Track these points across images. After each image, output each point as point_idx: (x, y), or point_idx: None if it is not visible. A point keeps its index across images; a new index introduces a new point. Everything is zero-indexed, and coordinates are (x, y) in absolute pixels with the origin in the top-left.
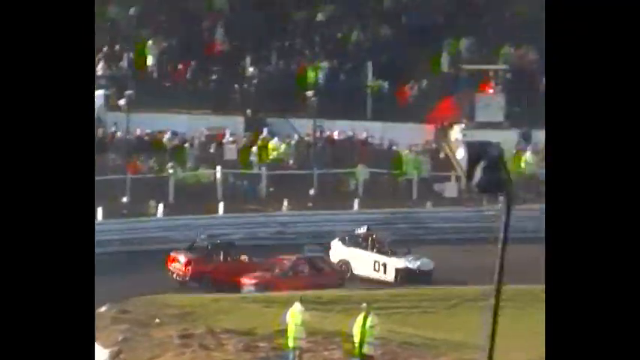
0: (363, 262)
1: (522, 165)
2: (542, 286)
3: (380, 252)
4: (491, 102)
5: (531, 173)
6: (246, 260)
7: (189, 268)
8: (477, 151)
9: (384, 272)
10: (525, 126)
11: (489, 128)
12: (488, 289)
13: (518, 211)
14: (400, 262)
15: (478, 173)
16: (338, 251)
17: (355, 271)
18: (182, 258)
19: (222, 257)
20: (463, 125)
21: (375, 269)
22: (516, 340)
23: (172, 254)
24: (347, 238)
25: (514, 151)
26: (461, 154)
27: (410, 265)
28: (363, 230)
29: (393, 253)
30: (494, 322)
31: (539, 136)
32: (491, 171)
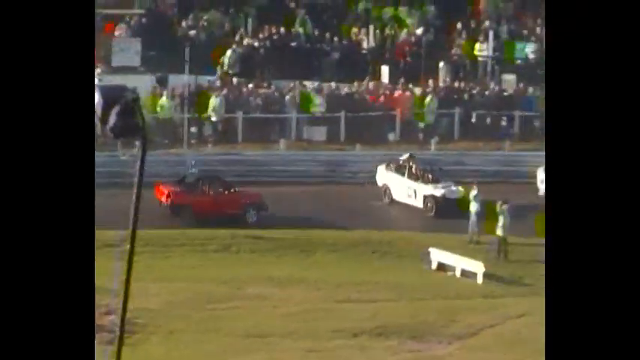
0: (400, 188)
1: (158, 109)
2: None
3: (415, 179)
4: (127, 46)
5: (166, 118)
6: (236, 191)
7: (169, 199)
8: (111, 96)
9: (415, 198)
10: (161, 71)
11: (125, 73)
12: (124, 234)
13: (152, 155)
14: (428, 189)
15: (112, 118)
16: (381, 176)
17: (394, 196)
18: (164, 189)
19: (206, 190)
20: (99, 70)
21: (408, 195)
22: (153, 284)
23: (160, 186)
24: (391, 163)
25: (150, 96)
26: (96, 98)
27: (435, 193)
28: (405, 156)
29: (427, 180)
30: (129, 268)
31: (175, 80)
32: (125, 116)
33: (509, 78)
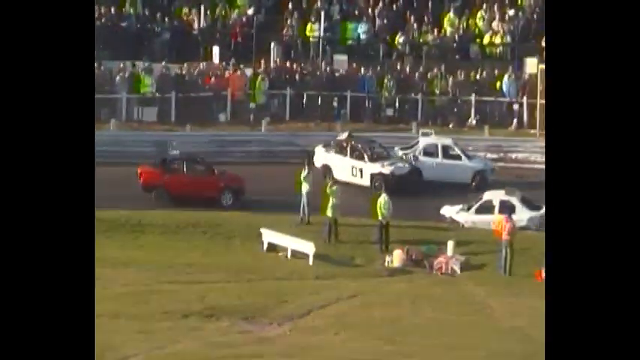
0: (343, 168)
1: None
2: None
3: (358, 158)
4: None
5: None
6: (216, 173)
7: (141, 179)
8: None
9: (361, 177)
10: None
11: None
12: None
13: None
14: (375, 167)
15: None
16: (320, 157)
17: (337, 176)
18: (140, 170)
19: (183, 170)
20: None
21: (352, 174)
22: None
23: (140, 167)
24: (330, 144)
25: None
26: None
27: (383, 170)
28: (344, 136)
29: (371, 159)
30: None
31: None
32: None
33: (341, 58)
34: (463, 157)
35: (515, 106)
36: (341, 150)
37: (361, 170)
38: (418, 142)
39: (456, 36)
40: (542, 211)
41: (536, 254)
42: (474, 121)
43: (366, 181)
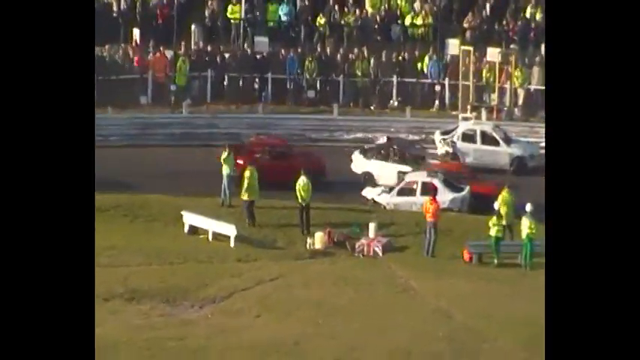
0: (387, 174)
1: None
2: None
3: (401, 162)
4: None
5: None
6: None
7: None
8: None
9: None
10: None
11: None
12: None
13: None
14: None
15: None
16: (360, 164)
17: (380, 182)
18: None
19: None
20: None
21: (399, 180)
22: None
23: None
24: (368, 149)
25: None
26: None
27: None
28: (383, 140)
29: (415, 163)
30: None
31: None
32: None
33: (263, 40)
34: (502, 142)
35: (438, 88)
36: (382, 155)
37: (406, 174)
38: (458, 127)
39: (378, 17)
40: (465, 192)
41: (459, 235)
42: (396, 103)
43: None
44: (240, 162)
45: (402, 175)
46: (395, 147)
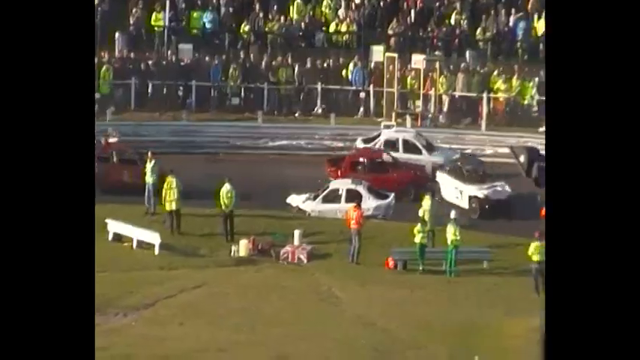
0: (448, 188)
1: None
2: None
3: (460, 178)
4: None
5: None
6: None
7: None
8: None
9: (461, 198)
10: None
11: None
12: None
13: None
14: (473, 190)
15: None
16: (438, 175)
17: (444, 196)
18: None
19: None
20: None
21: (455, 196)
22: None
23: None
24: (447, 164)
25: None
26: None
27: (478, 194)
28: (456, 156)
29: (474, 181)
30: None
31: None
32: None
33: (186, 48)
34: (423, 150)
35: (362, 95)
36: (452, 171)
37: (461, 192)
38: (380, 134)
39: (302, 24)
40: (389, 200)
41: (383, 242)
42: (320, 110)
43: (464, 203)
44: (338, 174)
45: (457, 191)
46: (460, 164)
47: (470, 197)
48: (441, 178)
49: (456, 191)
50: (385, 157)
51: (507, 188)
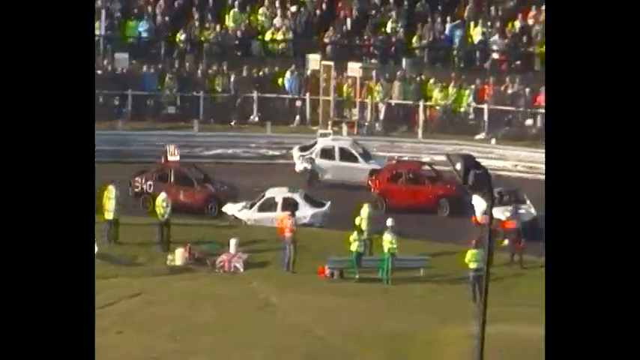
0: (479, 209)
1: None
2: None
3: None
4: None
5: None
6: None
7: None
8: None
9: None
10: None
11: None
12: None
13: None
14: (497, 213)
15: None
16: (474, 198)
17: (477, 217)
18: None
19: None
20: None
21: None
22: None
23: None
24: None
25: None
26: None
27: (501, 216)
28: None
29: (501, 203)
30: None
31: None
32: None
33: (122, 57)
34: (360, 158)
35: (298, 103)
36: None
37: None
38: (316, 143)
39: (238, 32)
40: (325, 208)
41: (319, 250)
42: (256, 118)
43: None
44: (377, 184)
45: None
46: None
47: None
48: (476, 200)
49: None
50: (426, 169)
51: (532, 210)
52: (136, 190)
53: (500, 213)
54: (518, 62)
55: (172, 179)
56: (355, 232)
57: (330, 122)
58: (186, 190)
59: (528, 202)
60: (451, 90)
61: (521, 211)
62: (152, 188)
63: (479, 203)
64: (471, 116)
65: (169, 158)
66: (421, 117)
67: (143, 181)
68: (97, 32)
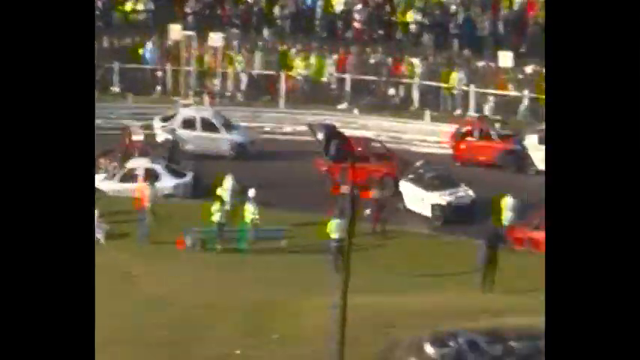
0: (412, 197)
1: None
2: None
3: (422, 186)
4: None
5: None
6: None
7: None
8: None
9: (423, 207)
10: None
11: None
12: None
13: None
14: (434, 198)
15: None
16: (401, 185)
17: (408, 206)
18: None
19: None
20: None
21: (418, 204)
22: None
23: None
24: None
25: None
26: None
27: (440, 201)
28: (419, 163)
29: (434, 188)
30: None
31: None
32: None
33: None
34: (222, 128)
35: (159, 73)
36: (414, 178)
37: (423, 199)
38: (177, 113)
39: (99, 3)
40: (188, 178)
41: (179, 221)
42: (118, 89)
43: (427, 211)
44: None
45: (418, 199)
46: (421, 171)
47: (432, 205)
48: (404, 187)
49: (418, 199)
50: (375, 145)
51: (470, 192)
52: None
53: (438, 197)
54: (380, 32)
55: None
56: (217, 203)
57: (191, 93)
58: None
59: (463, 184)
60: (313, 60)
61: (461, 194)
62: (116, 169)
63: (408, 190)
64: (333, 86)
65: (133, 138)
66: (283, 87)
67: (108, 162)
68: None
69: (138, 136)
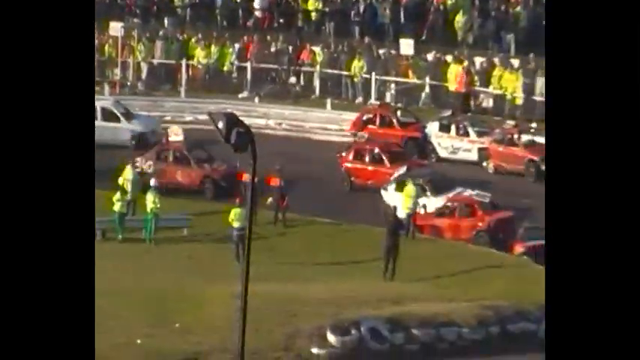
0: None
1: None
2: None
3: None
4: None
5: None
6: None
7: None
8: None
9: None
10: None
11: None
12: None
13: None
14: (439, 203)
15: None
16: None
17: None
18: None
19: None
20: None
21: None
22: None
23: None
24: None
25: None
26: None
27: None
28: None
29: (434, 192)
30: None
31: None
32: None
33: None
34: (122, 118)
35: None
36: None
37: (425, 206)
38: None
39: None
40: None
41: None
42: None
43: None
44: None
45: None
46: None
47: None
48: (387, 195)
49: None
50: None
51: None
52: (137, 170)
53: (437, 203)
54: (281, 20)
55: (171, 159)
56: (118, 193)
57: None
58: (183, 170)
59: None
60: (214, 49)
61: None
62: (151, 169)
63: (391, 198)
64: (234, 75)
65: (171, 139)
66: (184, 76)
67: (144, 161)
68: None
69: (177, 137)
